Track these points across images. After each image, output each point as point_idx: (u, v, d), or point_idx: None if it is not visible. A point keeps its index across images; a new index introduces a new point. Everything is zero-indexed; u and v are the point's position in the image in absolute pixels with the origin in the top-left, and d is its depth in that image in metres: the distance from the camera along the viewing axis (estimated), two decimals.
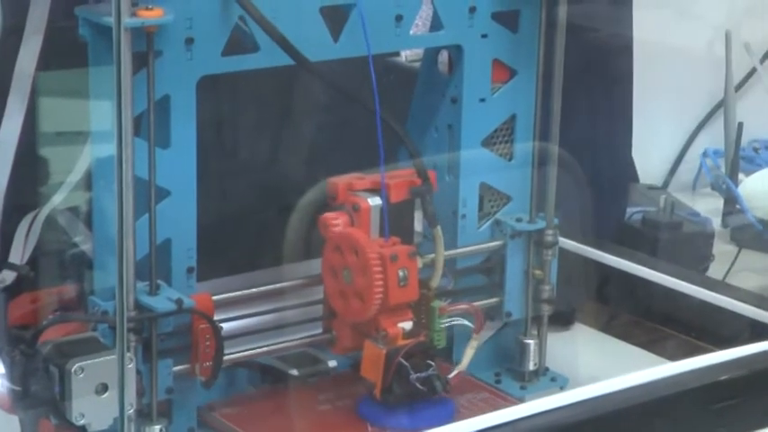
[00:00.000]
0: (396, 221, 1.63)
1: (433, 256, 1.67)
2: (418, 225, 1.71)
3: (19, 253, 1.61)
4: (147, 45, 1.47)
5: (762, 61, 2.70)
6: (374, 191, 1.63)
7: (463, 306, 1.70)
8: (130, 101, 1.42)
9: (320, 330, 1.70)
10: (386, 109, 1.60)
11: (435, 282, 1.67)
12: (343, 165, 1.70)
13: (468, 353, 1.71)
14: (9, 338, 1.57)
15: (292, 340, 1.69)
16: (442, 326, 1.68)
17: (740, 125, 2.62)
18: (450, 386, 1.66)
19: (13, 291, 1.62)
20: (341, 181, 1.65)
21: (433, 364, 1.63)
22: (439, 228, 1.66)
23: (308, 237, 1.72)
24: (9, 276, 1.61)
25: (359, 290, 1.61)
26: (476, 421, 1.56)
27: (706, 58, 2.71)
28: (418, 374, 1.62)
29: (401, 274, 1.60)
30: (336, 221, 1.63)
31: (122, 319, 1.33)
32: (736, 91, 2.70)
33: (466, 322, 1.70)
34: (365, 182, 1.65)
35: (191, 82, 1.52)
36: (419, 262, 1.64)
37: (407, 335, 1.63)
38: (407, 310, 1.64)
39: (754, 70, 2.71)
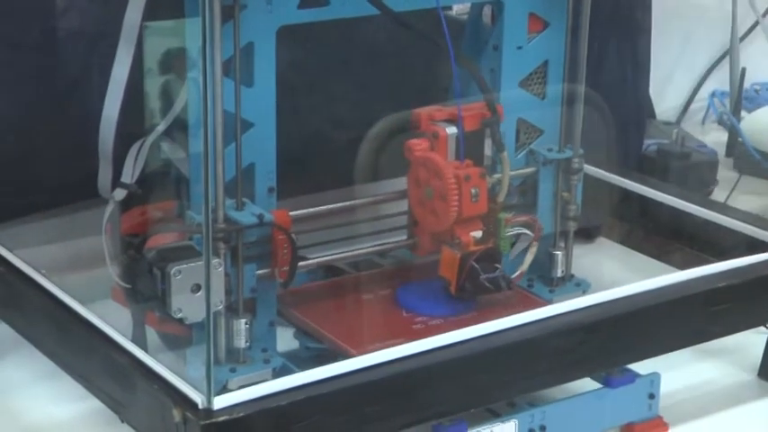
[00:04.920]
0: (469, 147, 1.62)
1: (499, 176, 1.66)
2: (488, 150, 1.70)
3: (129, 174, 1.60)
4: None
5: (764, 15, 2.65)
6: (451, 121, 1.62)
7: (524, 218, 1.69)
8: (220, 47, 1.41)
9: (392, 239, 1.71)
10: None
11: (501, 197, 1.66)
12: (400, 102, 1.68)
13: (528, 257, 1.70)
14: (121, 245, 1.57)
15: (383, 244, 1.70)
16: (507, 234, 1.66)
17: (743, 70, 2.59)
18: (513, 285, 1.66)
19: (124, 206, 1.62)
20: (423, 112, 1.64)
21: (499, 266, 1.63)
22: (506, 153, 1.65)
23: (369, 165, 1.71)
24: (120, 194, 1.60)
25: (438, 204, 1.61)
26: (511, 319, 1.55)
27: (715, 12, 2.67)
28: (487, 275, 1.61)
29: (473, 191, 1.60)
30: (419, 146, 1.62)
31: (208, 230, 1.32)
32: (740, 41, 2.66)
33: (526, 231, 1.69)
34: (443, 113, 1.63)
35: (271, 31, 1.50)
36: (488, 181, 1.63)
37: (478, 242, 1.63)
38: (478, 221, 1.63)
39: (756, 23, 2.66)
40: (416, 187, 1.64)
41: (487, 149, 1.70)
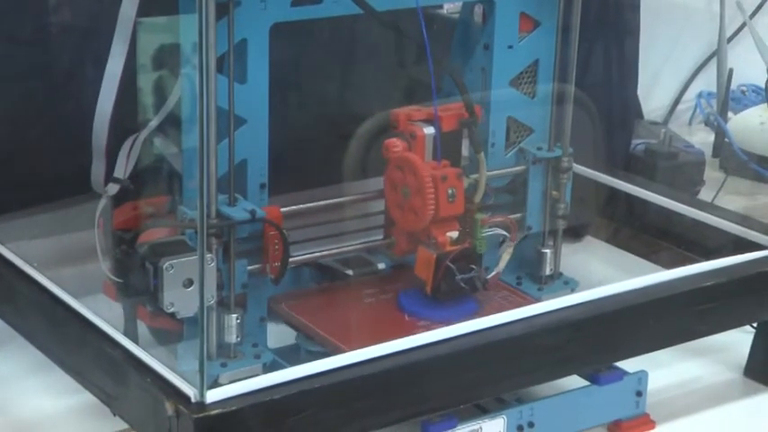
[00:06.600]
0: (446, 147, 1.62)
1: (476, 176, 1.66)
2: (465, 150, 1.70)
3: (122, 169, 1.61)
4: None
5: (751, 16, 2.65)
6: (429, 121, 1.62)
7: (500, 218, 1.70)
8: (214, 43, 1.42)
9: (381, 236, 1.71)
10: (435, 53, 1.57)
11: (478, 198, 1.66)
12: (391, 100, 1.69)
13: (504, 257, 1.70)
14: (113, 240, 1.57)
15: (357, 244, 1.70)
16: (484, 235, 1.67)
17: (731, 71, 2.59)
18: (488, 285, 1.66)
19: (117, 201, 1.62)
20: (401, 112, 1.64)
21: (474, 267, 1.63)
22: (482, 153, 1.65)
23: (359, 162, 1.71)
24: (113, 189, 1.61)
25: (414, 204, 1.61)
26: (500, 316, 1.56)
27: (703, 13, 2.68)
28: (462, 275, 1.61)
29: (450, 191, 1.60)
30: (396, 146, 1.62)
31: (203, 226, 1.33)
32: (727, 42, 2.66)
33: (503, 232, 1.69)
34: (421, 113, 1.64)
35: (264, 28, 1.51)
36: (465, 182, 1.63)
37: (454, 242, 1.63)
38: (455, 222, 1.63)
39: (743, 24, 2.67)
40: (393, 187, 1.64)
41: (465, 150, 1.70)
